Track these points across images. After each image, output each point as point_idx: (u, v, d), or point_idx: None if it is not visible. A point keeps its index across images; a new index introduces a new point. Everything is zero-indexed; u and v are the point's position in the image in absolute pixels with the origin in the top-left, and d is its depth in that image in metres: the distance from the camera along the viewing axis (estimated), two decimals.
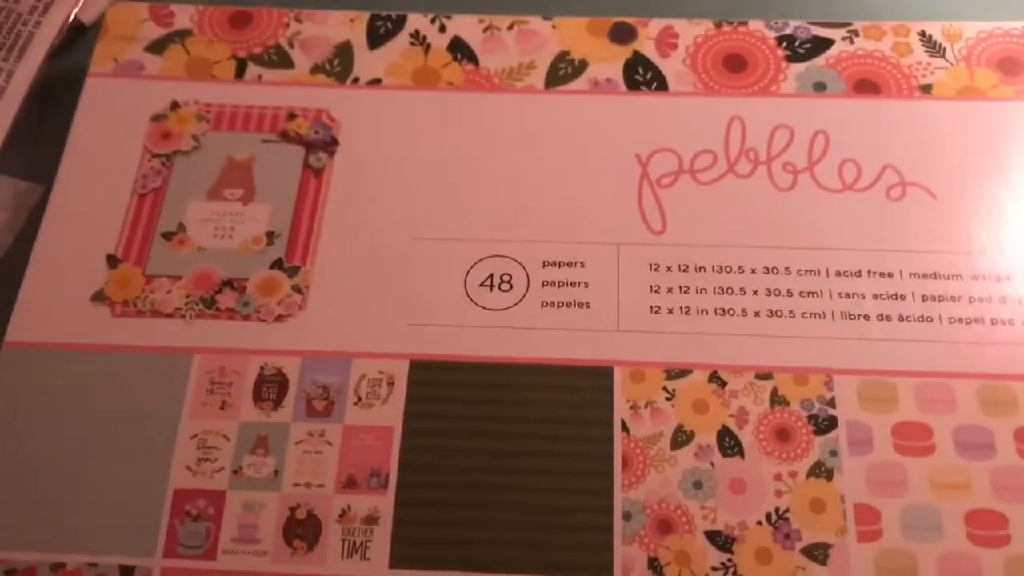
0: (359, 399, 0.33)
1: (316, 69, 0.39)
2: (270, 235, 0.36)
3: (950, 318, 0.34)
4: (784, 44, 0.38)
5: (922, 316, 0.34)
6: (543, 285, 0.35)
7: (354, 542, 0.31)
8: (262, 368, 0.34)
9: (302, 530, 0.31)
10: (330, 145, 0.38)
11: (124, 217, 0.37)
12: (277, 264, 0.36)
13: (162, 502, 0.32)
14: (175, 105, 0.39)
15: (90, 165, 0.38)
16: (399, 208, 0.36)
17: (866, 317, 0.34)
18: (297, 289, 0.35)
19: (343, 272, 0.35)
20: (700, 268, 0.35)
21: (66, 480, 0.32)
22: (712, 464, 0.32)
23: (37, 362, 0.34)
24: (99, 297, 0.35)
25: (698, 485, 0.31)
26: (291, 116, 0.38)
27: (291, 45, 0.40)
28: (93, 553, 0.31)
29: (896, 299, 0.34)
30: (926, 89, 0.37)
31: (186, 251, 0.36)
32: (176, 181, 0.37)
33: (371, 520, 0.31)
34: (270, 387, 0.34)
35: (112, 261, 0.36)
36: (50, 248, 0.36)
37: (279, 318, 0.35)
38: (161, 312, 0.35)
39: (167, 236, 0.37)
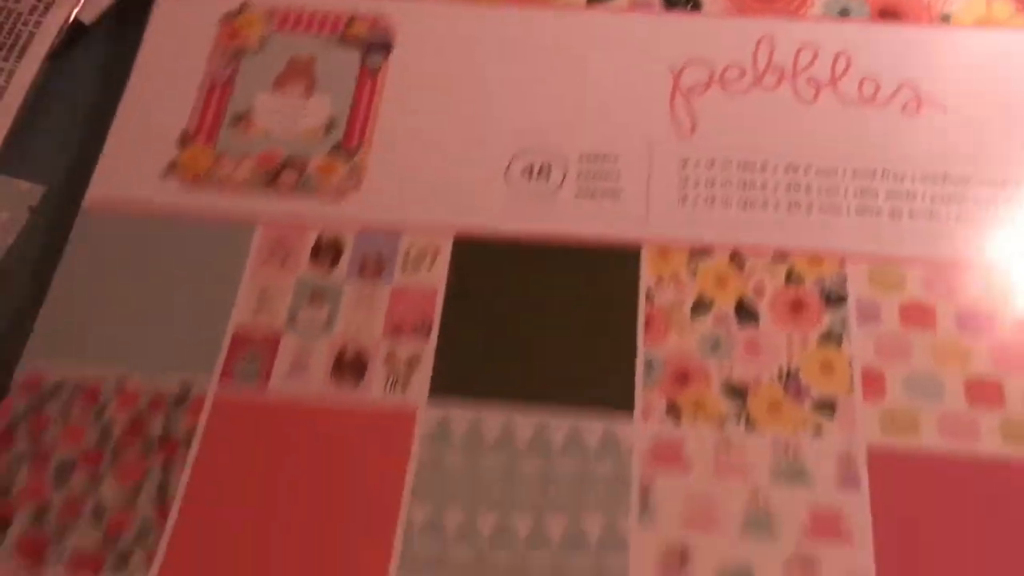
0: (406, 266, 0.36)
1: None
2: (329, 125, 0.40)
3: (957, 216, 0.36)
4: None
5: (930, 213, 0.36)
6: (579, 176, 0.38)
7: (396, 379, 0.34)
8: (319, 237, 0.37)
9: (349, 368, 0.34)
10: (386, 49, 0.41)
11: (195, 104, 0.40)
12: (335, 149, 0.39)
13: (221, 339, 0.35)
14: (244, 7, 0.42)
15: (165, 58, 0.41)
16: (448, 107, 0.40)
17: (878, 212, 0.36)
18: (352, 172, 0.39)
19: (395, 159, 0.39)
20: (725, 164, 0.38)
21: (135, 320, 0.35)
22: (729, 330, 0.34)
23: (112, 227, 0.37)
24: (172, 169, 0.39)
25: (715, 346, 0.34)
26: (351, 21, 0.42)
27: None
28: (154, 378, 0.34)
29: (907, 198, 0.37)
30: (945, 18, 0.40)
31: (252, 135, 0.40)
32: (244, 75, 0.41)
33: (413, 362, 0.34)
34: (326, 253, 0.37)
35: (184, 141, 0.40)
36: (126, 128, 0.40)
37: (335, 196, 0.38)
38: (228, 186, 0.38)
39: (234, 121, 0.40)
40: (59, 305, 0.36)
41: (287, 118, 0.40)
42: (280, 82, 0.41)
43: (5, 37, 0.41)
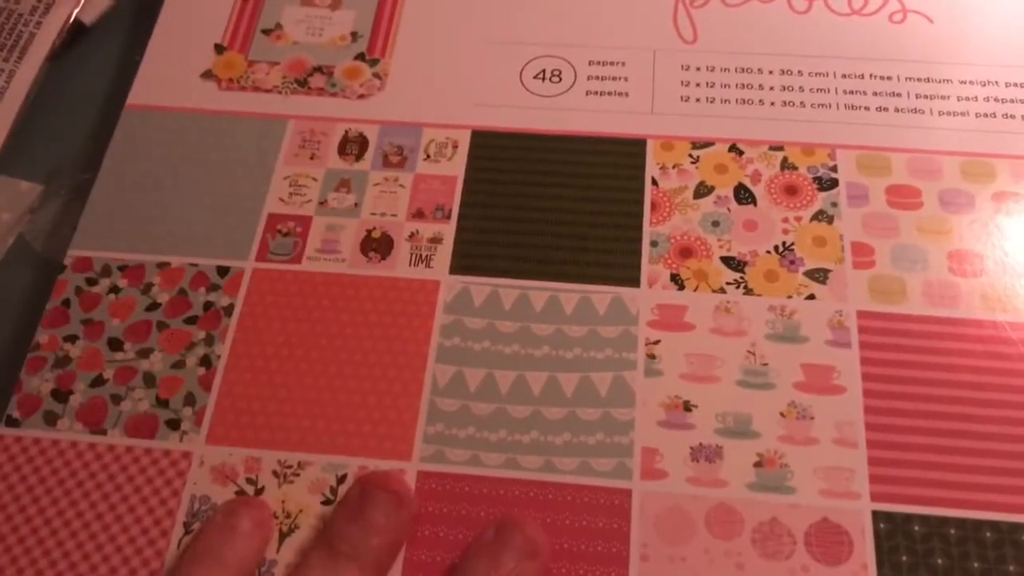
0: (428, 156, 0.39)
1: None
2: (354, 34, 0.42)
3: (940, 111, 0.39)
4: None
5: (915, 109, 0.39)
6: (588, 79, 0.41)
7: (420, 255, 0.36)
8: (346, 131, 0.40)
9: (376, 245, 0.37)
10: None
11: (229, 16, 0.43)
12: (360, 56, 0.42)
13: (257, 221, 0.37)
14: None
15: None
16: (466, 16, 0.42)
17: (866, 108, 0.39)
18: (376, 76, 0.41)
19: (416, 64, 0.41)
20: (724, 69, 0.41)
21: (176, 202, 0.38)
22: (728, 209, 0.37)
23: (154, 122, 0.40)
24: (208, 75, 0.42)
25: (716, 224, 0.37)
26: None
27: None
28: (195, 256, 0.37)
29: (893, 96, 0.39)
30: None
31: (283, 43, 0.42)
32: None
33: (436, 240, 0.37)
34: (352, 145, 0.39)
35: (219, 48, 0.42)
36: (165, 38, 0.43)
37: (361, 96, 0.41)
38: (261, 88, 0.41)
39: (266, 32, 0.43)
40: (104, 198, 0.38)
41: (314, 29, 0.43)
42: None
43: (6, 38, 0.42)
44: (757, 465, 0.32)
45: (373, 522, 0.30)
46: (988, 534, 0.30)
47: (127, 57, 0.44)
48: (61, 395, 0.34)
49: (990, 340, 0.34)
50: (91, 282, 0.36)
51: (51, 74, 0.43)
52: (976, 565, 0.30)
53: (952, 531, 0.30)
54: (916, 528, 0.30)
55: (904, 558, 0.30)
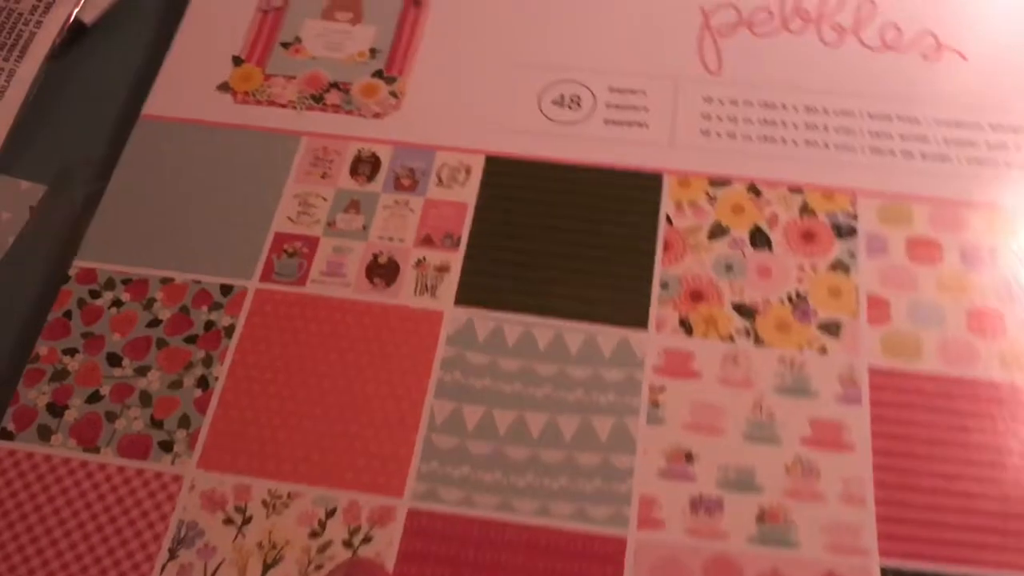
0: (440, 180, 0.38)
1: None
2: (373, 51, 0.42)
3: (967, 159, 0.38)
4: None
5: (942, 156, 0.38)
6: (607, 107, 0.40)
7: (426, 283, 0.36)
8: (359, 151, 0.39)
9: (382, 271, 0.36)
10: None
11: (249, 29, 0.43)
12: (378, 74, 0.41)
13: (264, 240, 0.37)
14: None
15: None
16: (485, 39, 0.42)
17: (892, 152, 0.38)
18: (393, 94, 0.41)
19: (434, 84, 0.41)
20: (748, 103, 0.40)
21: (183, 216, 0.37)
22: (743, 253, 0.36)
23: (169, 133, 0.40)
24: (224, 87, 0.41)
25: (729, 268, 0.36)
26: None
27: None
28: (199, 273, 0.36)
29: (919, 140, 0.38)
30: None
31: (301, 58, 0.42)
32: (294, 4, 0.43)
33: (442, 269, 0.36)
34: (365, 166, 0.39)
35: (237, 61, 0.42)
36: (183, 51, 0.42)
37: (376, 115, 0.40)
38: (276, 102, 0.41)
39: (285, 45, 0.42)
40: (113, 209, 0.38)
41: (333, 44, 0.42)
42: (328, 11, 0.43)
43: (6, 37, 0.42)
44: (759, 519, 0.31)
45: None
46: None
47: (130, 58, 0.43)
48: (56, 409, 0.34)
49: (1007, 402, 0.33)
50: (94, 295, 0.36)
51: (52, 73, 0.43)
52: None
53: None
54: None
55: None
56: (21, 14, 0.42)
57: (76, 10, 0.43)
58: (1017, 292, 0.35)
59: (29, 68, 0.41)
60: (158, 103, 0.41)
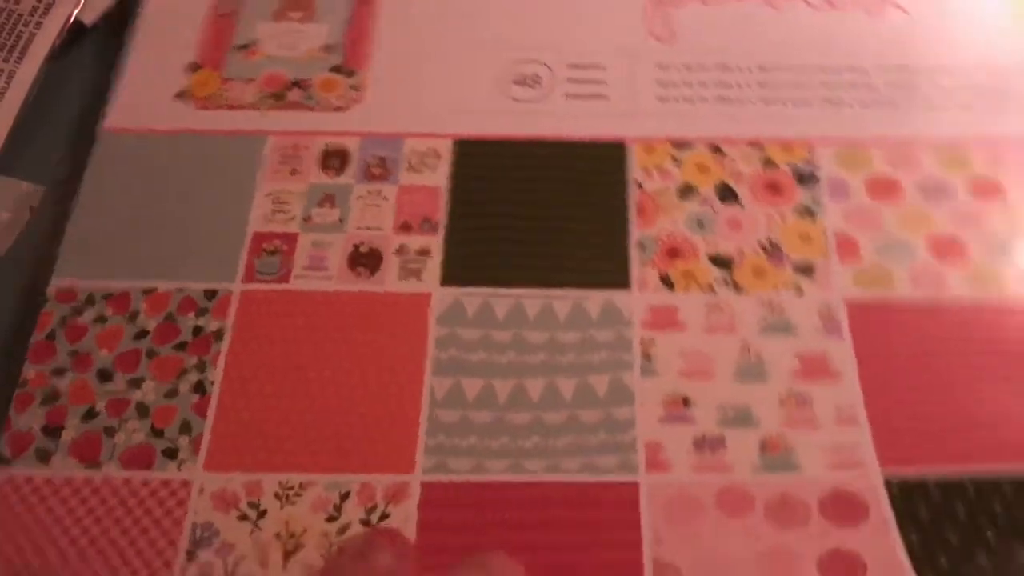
0: (411, 167, 0.39)
1: None
2: (328, 47, 0.42)
3: (914, 101, 0.40)
4: None
5: (890, 101, 0.40)
6: (568, 81, 0.41)
7: (410, 268, 0.36)
8: (327, 145, 0.39)
9: (364, 260, 0.37)
10: None
11: (202, 35, 0.43)
12: (336, 69, 0.42)
13: (242, 241, 0.37)
14: None
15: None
16: (441, 24, 0.42)
17: (843, 102, 0.40)
18: (354, 87, 0.41)
19: (393, 74, 0.41)
20: (702, 67, 0.41)
21: (158, 225, 0.37)
22: (713, 209, 0.37)
23: (130, 146, 0.40)
24: (183, 95, 0.41)
25: (701, 224, 0.37)
26: None
27: None
28: (181, 280, 0.36)
29: (868, 88, 0.40)
30: None
31: (257, 59, 0.42)
32: (246, 7, 0.43)
33: (424, 253, 0.37)
34: (334, 159, 0.39)
35: (194, 67, 0.42)
36: (139, 60, 0.42)
37: (339, 109, 0.40)
38: (237, 106, 0.41)
39: (240, 48, 0.42)
40: (83, 225, 0.38)
41: (288, 44, 0.42)
42: (280, 12, 0.43)
43: (5, 38, 0.42)
44: (761, 450, 0.32)
45: (378, 565, 0.29)
46: (1007, 488, 0.31)
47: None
48: (52, 431, 0.33)
49: (976, 320, 0.34)
50: (76, 312, 0.36)
51: (52, 73, 0.42)
52: (998, 509, 0.30)
53: (969, 487, 0.31)
54: (931, 486, 0.31)
55: (923, 511, 0.30)
56: (21, 15, 0.42)
57: (76, 11, 0.43)
58: (974, 218, 0.36)
59: (29, 69, 0.41)
60: (118, 116, 0.40)
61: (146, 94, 0.41)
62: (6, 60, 0.40)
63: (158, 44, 0.42)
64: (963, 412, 0.32)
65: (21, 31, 0.42)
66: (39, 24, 0.42)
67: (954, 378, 0.33)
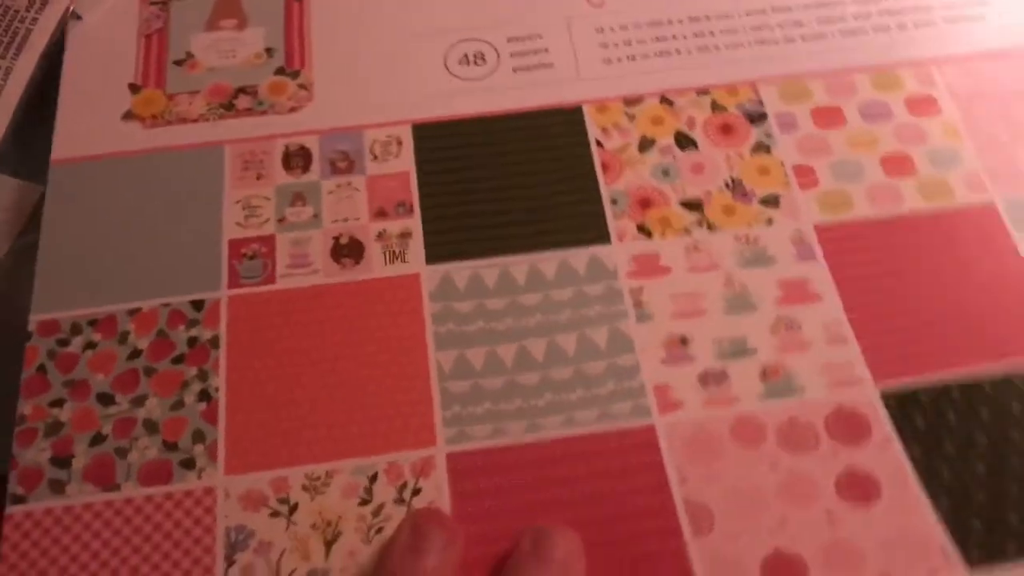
0: (375, 156, 0.39)
1: None
2: (269, 50, 0.42)
3: (840, 31, 0.42)
4: None
5: (818, 34, 0.42)
6: (512, 56, 0.42)
7: (393, 251, 0.37)
8: (286, 146, 0.40)
9: (347, 251, 0.37)
10: None
11: (136, 54, 0.42)
12: (280, 71, 0.42)
13: (219, 250, 0.37)
14: None
15: (97, 16, 0.43)
16: (375, 14, 0.43)
17: (775, 41, 0.42)
18: (302, 87, 0.41)
19: (339, 69, 0.42)
20: (637, 26, 0.42)
21: (131, 247, 0.37)
22: (674, 157, 0.39)
23: (85, 173, 0.39)
24: (129, 116, 0.41)
25: (666, 173, 0.38)
26: None
27: None
28: (164, 296, 0.36)
29: (796, 25, 0.42)
30: None
31: (198, 72, 0.42)
32: (175, 21, 0.43)
33: (405, 235, 0.37)
34: (296, 158, 0.39)
35: (134, 88, 0.41)
36: (75, 87, 0.41)
37: (292, 109, 0.41)
38: (187, 119, 0.40)
39: (178, 63, 0.42)
40: (53, 258, 0.37)
41: (226, 52, 0.42)
42: (212, 21, 0.43)
43: (2, 34, 0.41)
44: (763, 377, 0.34)
45: (427, 553, 0.30)
46: (988, 389, 0.33)
47: None
48: (62, 461, 0.33)
49: (934, 228, 0.36)
50: (63, 343, 0.35)
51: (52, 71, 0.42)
52: (984, 413, 0.32)
53: (955, 392, 0.33)
54: (922, 396, 0.33)
55: (920, 422, 0.32)
56: (17, 11, 0.41)
57: (72, 6, 0.42)
58: (915, 133, 0.39)
59: (27, 65, 0.40)
60: (65, 145, 0.40)
61: (91, 120, 0.40)
62: (3, 56, 0.40)
63: (92, 70, 0.42)
64: (936, 318, 0.35)
65: (17, 27, 0.42)
66: (35, 20, 0.42)
67: (922, 286, 0.35)
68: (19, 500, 0.32)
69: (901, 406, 0.33)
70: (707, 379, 0.34)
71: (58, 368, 0.35)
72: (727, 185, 0.38)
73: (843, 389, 0.33)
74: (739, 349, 0.34)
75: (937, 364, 0.33)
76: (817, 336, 0.34)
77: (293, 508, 0.32)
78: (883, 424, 0.33)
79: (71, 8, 0.43)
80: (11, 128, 0.40)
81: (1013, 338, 0.34)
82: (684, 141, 0.39)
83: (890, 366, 0.34)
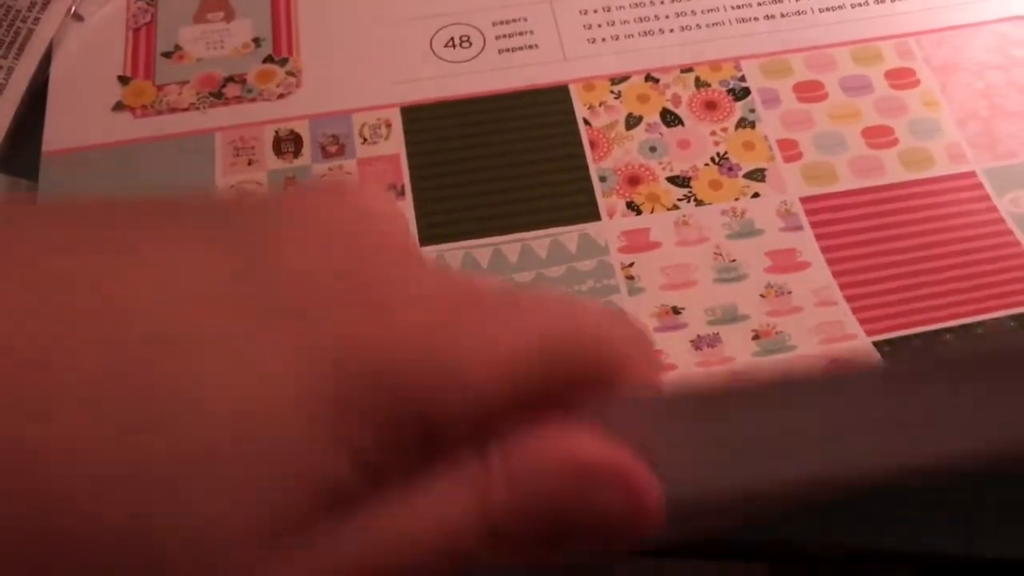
0: (365, 140, 0.40)
1: None
2: (257, 40, 0.43)
3: (819, 7, 0.42)
4: None
5: (798, 11, 0.42)
6: (497, 38, 0.42)
7: None
8: (277, 132, 0.40)
9: None
10: None
11: (125, 48, 0.43)
12: (268, 59, 0.42)
13: None
14: None
15: (86, 15, 0.43)
16: (361, 2, 0.43)
17: (756, 19, 0.42)
18: (291, 74, 0.42)
19: (327, 55, 0.42)
20: (620, 7, 0.43)
21: None
22: (661, 134, 0.39)
23: (77, 163, 0.39)
24: (119, 107, 0.41)
25: (653, 149, 0.39)
26: None
27: None
28: None
29: (776, 3, 0.43)
30: None
31: (187, 63, 0.42)
32: (163, 15, 0.43)
33: None
34: (287, 144, 0.40)
35: (124, 80, 0.42)
36: (65, 80, 0.41)
37: (281, 96, 0.41)
38: (178, 108, 0.41)
39: (167, 55, 0.42)
40: None
41: (214, 43, 0.43)
42: (200, 14, 0.43)
43: (3, 34, 0.41)
44: (755, 338, 0.34)
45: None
46: (977, 329, 0.34)
47: None
48: None
49: (916, 194, 0.37)
50: None
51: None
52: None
53: (948, 335, 0.34)
54: (915, 341, 0.33)
55: None
56: (19, 11, 0.41)
57: (74, 6, 0.42)
58: (895, 105, 0.40)
59: (28, 65, 0.40)
60: (57, 137, 0.40)
61: (82, 112, 0.41)
62: (4, 56, 0.40)
63: (81, 64, 0.42)
64: (923, 279, 0.35)
65: (20, 27, 0.41)
66: (37, 20, 0.41)
67: (907, 251, 0.36)
68: None
69: (896, 351, 0.33)
70: (700, 343, 0.34)
71: None
72: (713, 160, 0.39)
73: (836, 344, 0.34)
74: (730, 316, 0.35)
75: (926, 320, 0.34)
76: (807, 300, 0.35)
77: None
78: None
79: (72, 9, 0.43)
80: (12, 128, 0.40)
81: (999, 295, 0.35)
82: (670, 118, 0.40)
83: (881, 323, 0.34)
